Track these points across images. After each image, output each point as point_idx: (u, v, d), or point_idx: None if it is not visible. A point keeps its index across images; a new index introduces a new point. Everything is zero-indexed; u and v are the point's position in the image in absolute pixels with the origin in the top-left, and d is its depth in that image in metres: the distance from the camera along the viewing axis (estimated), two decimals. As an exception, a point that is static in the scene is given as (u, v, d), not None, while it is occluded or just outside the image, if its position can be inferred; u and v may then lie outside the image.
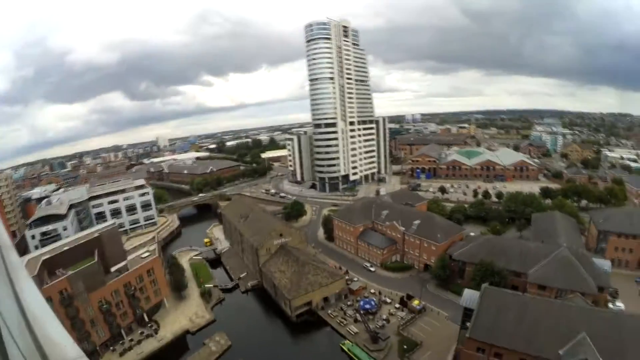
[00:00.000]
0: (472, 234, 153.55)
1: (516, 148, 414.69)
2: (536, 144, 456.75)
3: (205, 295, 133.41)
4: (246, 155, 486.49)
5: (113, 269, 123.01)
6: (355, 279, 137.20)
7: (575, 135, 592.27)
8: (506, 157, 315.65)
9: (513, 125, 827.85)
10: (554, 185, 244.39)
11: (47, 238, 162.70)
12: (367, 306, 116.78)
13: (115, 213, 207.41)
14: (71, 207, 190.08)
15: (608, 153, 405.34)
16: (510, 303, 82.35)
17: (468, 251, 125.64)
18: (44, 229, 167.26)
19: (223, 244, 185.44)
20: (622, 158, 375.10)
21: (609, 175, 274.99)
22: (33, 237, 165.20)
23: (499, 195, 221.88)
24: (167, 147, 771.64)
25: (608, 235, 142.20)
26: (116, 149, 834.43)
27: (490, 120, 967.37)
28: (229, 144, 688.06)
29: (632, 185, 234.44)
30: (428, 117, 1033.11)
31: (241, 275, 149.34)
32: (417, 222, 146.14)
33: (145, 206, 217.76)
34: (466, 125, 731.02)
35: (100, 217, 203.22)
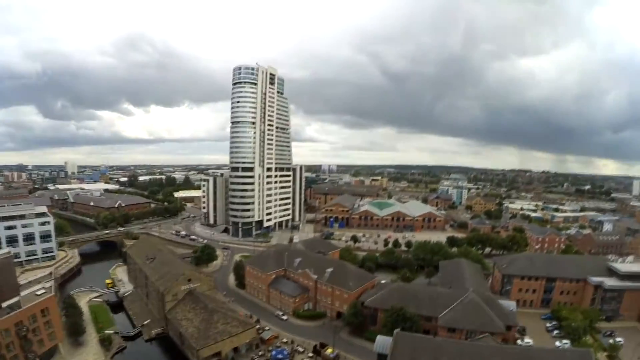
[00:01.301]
0: (383, 281, 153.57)
1: (425, 200, 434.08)
2: (443, 197, 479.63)
3: (105, 342, 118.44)
4: (158, 193, 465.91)
5: (4, 305, 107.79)
6: (267, 328, 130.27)
7: (479, 189, 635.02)
8: (415, 208, 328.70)
9: (422, 179, 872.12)
10: (459, 235, 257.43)
11: None
12: (280, 356, 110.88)
13: (12, 241, 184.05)
14: None
15: (509, 205, 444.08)
16: (422, 347, 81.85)
17: (379, 298, 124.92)
18: None
19: (127, 287, 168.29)
20: (522, 209, 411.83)
21: (510, 224, 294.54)
22: None
23: (409, 244, 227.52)
24: (75, 174, 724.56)
25: (512, 279, 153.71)
26: (20, 168, 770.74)
27: (401, 174, 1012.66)
28: (141, 178, 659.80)
29: (532, 232, 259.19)
30: (343, 169, 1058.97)
31: (145, 322, 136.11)
32: (329, 270, 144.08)
33: (45, 237, 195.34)
34: (379, 177, 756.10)
35: None
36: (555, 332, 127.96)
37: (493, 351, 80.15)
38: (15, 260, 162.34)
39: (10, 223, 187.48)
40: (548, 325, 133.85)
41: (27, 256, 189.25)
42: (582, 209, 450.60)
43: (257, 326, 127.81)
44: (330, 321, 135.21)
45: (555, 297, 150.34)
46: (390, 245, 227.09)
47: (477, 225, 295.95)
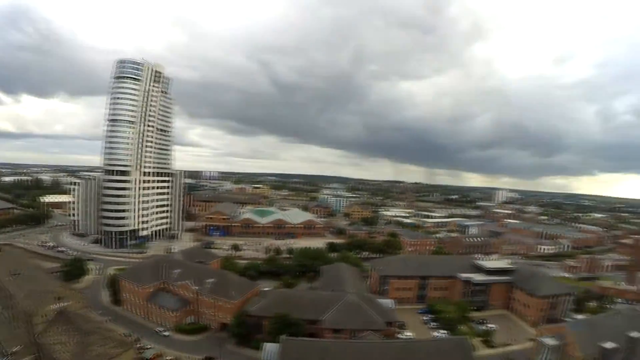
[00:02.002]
0: (266, 289, 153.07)
1: (305, 208, 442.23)
2: (323, 205, 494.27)
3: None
4: (24, 197, 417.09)
5: None
6: (149, 347, 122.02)
7: (357, 198, 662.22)
8: (296, 216, 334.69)
9: (303, 188, 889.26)
10: (339, 241, 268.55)
11: None
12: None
13: None
14: None
15: (385, 212, 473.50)
16: (310, 350, 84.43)
17: (263, 306, 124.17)
18: None
19: None
20: (396, 216, 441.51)
21: (385, 230, 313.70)
22: None
23: (290, 251, 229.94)
24: None
25: (388, 279, 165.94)
26: None
27: (283, 182, 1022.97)
28: (5, 179, 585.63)
29: (405, 236, 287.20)
30: (225, 176, 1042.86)
31: (14, 349, 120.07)
32: (210, 280, 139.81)
33: None
34: (261, 185, 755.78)
35: None
36: (433, 324, 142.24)
37: (376, 347, 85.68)
38: None
39: None
40: (425, 318, 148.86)
41: None
42: (450, 215, 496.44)
43: (138, 345, 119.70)
44: (214, 333, 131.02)
45: (429, 294, 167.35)
46: (272, 253, 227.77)
47: (355, 231, 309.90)
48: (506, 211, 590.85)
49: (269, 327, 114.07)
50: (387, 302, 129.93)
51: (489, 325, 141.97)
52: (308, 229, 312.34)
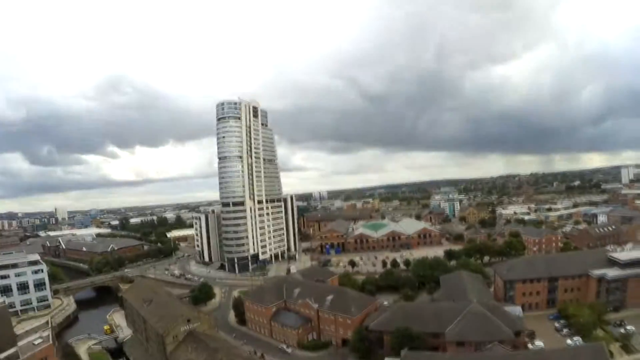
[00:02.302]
0: (385, 303, 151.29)
1: (418, 217, 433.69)
2: (436, 211, 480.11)
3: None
4: (151, 234, 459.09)
5: (1, 356, 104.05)
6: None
7: (471, 200, 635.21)
8: (410, 226, 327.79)
9: (413, 196, 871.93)
10: (456, 247, 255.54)
11: None
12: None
13: (5, 290, 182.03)
14: None
15: (502, 211, 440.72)
16: None
17: (383, 320, 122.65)
18: None
19: (125, 332, 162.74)
20: (515, 213, 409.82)
21: (506, 230, 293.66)
22: None
23: (407, 262, 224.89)
24: (66, 220, 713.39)
25: (514, 284, 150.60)
26: (10, 216, 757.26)
27: (392, 193, 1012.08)
28: (133, 220, 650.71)
29: (528, 235, 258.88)
30: (334, 194, 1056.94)
31: None
32: (330, 297, 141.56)
33: (39, 285, 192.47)
34: (370, 199, 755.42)
35: None
36: (565, 330, 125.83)
37: (504, 359, 79.06)
38: (10, 309, 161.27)
39: (3, 272, 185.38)
40: (557, 324, 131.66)
41: (22, 305, 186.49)
42: (575, 205, 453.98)
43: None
44: (336, 350, 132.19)
45: (559, 296, 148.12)
46: (388, 266, 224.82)
47: (473, 235, 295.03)
48: (636, 191, 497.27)
49: (390, 341, 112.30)
50: (515, 310, 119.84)
51: (628, 327, 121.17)
52: (423, 238, 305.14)
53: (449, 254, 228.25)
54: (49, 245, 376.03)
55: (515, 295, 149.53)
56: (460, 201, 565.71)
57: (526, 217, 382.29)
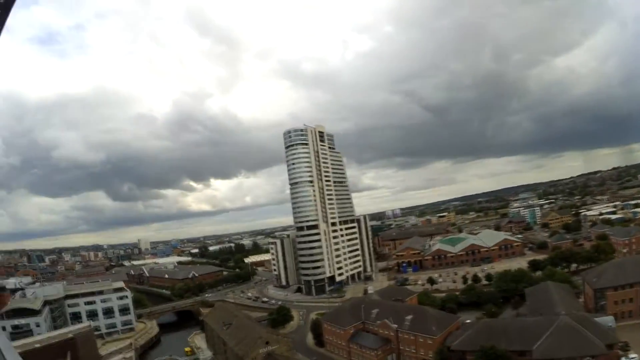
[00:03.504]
0: (467, 321, 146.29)
1: (497, 228, 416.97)
2: (516, 220, 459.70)
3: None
4: (229, 260, 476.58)
5: None
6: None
7: (552, 204, 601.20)
8: (489, 238, 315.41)
9: (490, 206, 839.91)
10: (541, 257, 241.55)
11: (19, 332, 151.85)
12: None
13: (92, 315, 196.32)
14: (46, 303, 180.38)
15: (587, 213, 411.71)
16: None
17: (466, 339, 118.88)
18: (16, 322, 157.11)
19: (205, 354, 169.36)
20: (601, 214, 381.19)
21: (592, 233, 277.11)
22: (4, 328, 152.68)
23: (489, 277, 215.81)
24: (148, 250, 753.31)
25: (605, 292, 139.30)
26: (96, 248, 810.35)
27: (467, 205, 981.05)
28: (211, 248, 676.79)
29: (617, 236, 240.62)
30: (408, 211, 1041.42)
31: None
32: (409, 317, 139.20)
33: (123, 310, 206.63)
34: (445, 213, 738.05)
35: (76, 317, 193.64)
36: None
37: None
38: (96, 332, 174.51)
39: (90, 298, 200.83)
40: None
41: (107, 329, 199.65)
42: None
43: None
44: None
45: None
46: (469, 282, 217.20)
47: (557, 242, 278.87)
48: None
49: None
50: (606, 320, 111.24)
51: None
52: (505, 250, 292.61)
53: (533, 265, 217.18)
54: (133, 273, 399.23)
55: (607, 304, 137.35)
56: (541, 206, 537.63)
57: (613, 217, 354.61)
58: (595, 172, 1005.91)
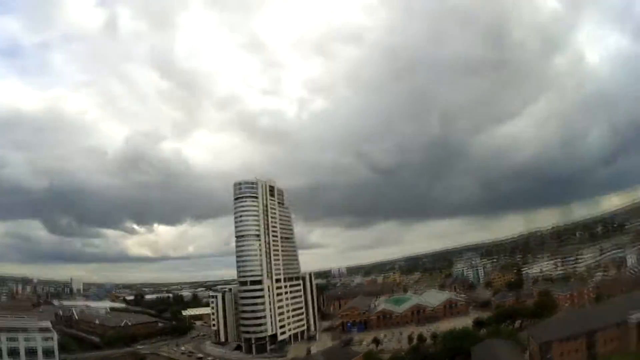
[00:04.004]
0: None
1: (442, 287, 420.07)
2: (460, 280, 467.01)
3: None
4: (166, 311, 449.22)
5: None
6: None
7: (495, 263, 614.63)
8: (434, 298, 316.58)
9: (435, 266, 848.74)
10: (485, 314, 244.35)
11: None
12: None
13: (13, 353, 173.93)
14: None
15: (528, 271, 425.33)
16: None
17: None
18: None
19: None
20: (542, 271, 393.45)
21: (534, 290, 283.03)
22: None
23: (434, 336, 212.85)
24: (80, 291, 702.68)
25: (551, 345, 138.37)
26: (25, 281, 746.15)
27: (413, 265, 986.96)
28: (148, 297, 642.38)
29: (558, 292, 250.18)
30: (354, 270, 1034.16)
31: None
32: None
33: (48, 353, 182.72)
34: (391, 273, 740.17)
35: None
36: None
37: None
38: None
39: (13, 335, 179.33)
40: None
41: None
42: (602, 251, 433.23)
43: None
44: None
45: (600, 350, 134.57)
46: (415, 342, 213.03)
47: (501, 300, 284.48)
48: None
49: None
50: None
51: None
52: (449, 309, 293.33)
53: (478, 323, 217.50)
54: (61, 314, 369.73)
55: (553, 357, 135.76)
56: (484, 266, 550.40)
57: (554, 274, 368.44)
58: (536, 232, 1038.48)
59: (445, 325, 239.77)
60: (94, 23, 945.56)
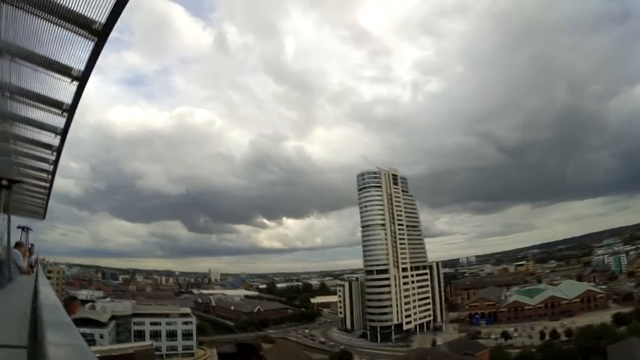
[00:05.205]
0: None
1: (580, 278, 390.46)
2: (600, 269, 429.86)
3: None
4: (296, 299, 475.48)
5: None
6: None
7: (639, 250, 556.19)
8: (570, 289, 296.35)
9: (572, 254, 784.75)
10: (626, 309, 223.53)
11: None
12: None
13: (155, 335, 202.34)
14: (113, 317, 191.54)
15: None
16: None
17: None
18: (82, 330, 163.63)
19: None
20: None
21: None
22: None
23: (569, 332, 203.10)
24: (217, 280, 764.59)
25: None
26: (168, 273, 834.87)
27: (547, 253, 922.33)
28: (279, 285, 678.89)
29: None
30: (483, 259, 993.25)
31: None
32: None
33: (186, 335, 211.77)
34: (523, 262, 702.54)
35: (140, 335, 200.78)
36: None
37: None
38: (157, 352, 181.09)
39: (156, 319, 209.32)
40: None
41: (167, 350, 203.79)
42: None
43: None
44: None
45: None
46: (547, 337, 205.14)
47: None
48: None
49: None
50: None
51: None
52: (587, 302, 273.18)
53: (618, 319, 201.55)
54: (200, 301, 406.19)
55: None
56: (627, 253, 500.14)
57: None
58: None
59: (581, 320, 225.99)
60: (205, 44, 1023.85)
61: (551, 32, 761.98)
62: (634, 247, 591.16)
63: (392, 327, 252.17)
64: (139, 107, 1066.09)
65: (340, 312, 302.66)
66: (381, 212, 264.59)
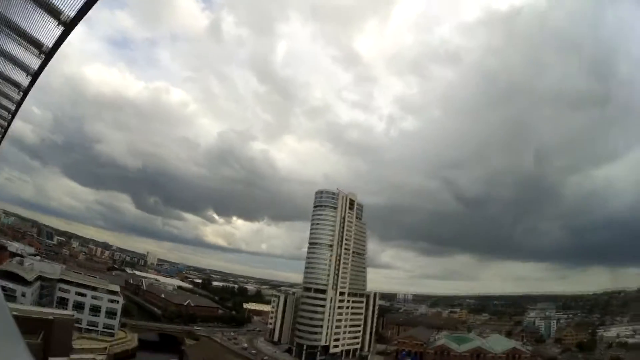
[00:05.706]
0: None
1: (509, 334, 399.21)
2: (529, 329, 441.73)
3: None
4: (229, 300, 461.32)
5: None
6: None
7: (570, 319, 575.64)
8: (497, 344, 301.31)
9: (506, 310, 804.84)
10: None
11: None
12: None
13: (78, 306, 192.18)
14: (39, 278, 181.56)
15: (604, 333, 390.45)
16: None
17: None
18: (3, 284, 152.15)
19: None
20: (618, 336, 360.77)
21: (605, 356, 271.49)
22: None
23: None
24: (154, 265, 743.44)
25: None
26: (105, 246, 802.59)
27: (482, 305, 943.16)
28: (215, 283, 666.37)
29: None
30: (420, 298, 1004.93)
31: None
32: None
33: (110, 313, 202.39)
34: (458, 309, 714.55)
35: (62, 302, 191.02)
36: None
37: None
38: (76, 325, 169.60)
39: (82, 290, 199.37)
40: None
41: (87, 325, 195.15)
42: None
43: None
44: None
45: None
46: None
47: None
48: None
49: None
50: None
51: None
52: (512, 359, 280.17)
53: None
54: (131, 281, 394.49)
55: None
56: (558, 320, 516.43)
57: (630, 341, 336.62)
58: (620, 292, 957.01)
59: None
60: (199, 25, 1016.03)
61: (533, 99, 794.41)
62: (565, 314, 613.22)
63: (319, 347, 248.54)
64: (117, 70, 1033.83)
65: (271, 323, 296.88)
66: (331, 233, 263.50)
